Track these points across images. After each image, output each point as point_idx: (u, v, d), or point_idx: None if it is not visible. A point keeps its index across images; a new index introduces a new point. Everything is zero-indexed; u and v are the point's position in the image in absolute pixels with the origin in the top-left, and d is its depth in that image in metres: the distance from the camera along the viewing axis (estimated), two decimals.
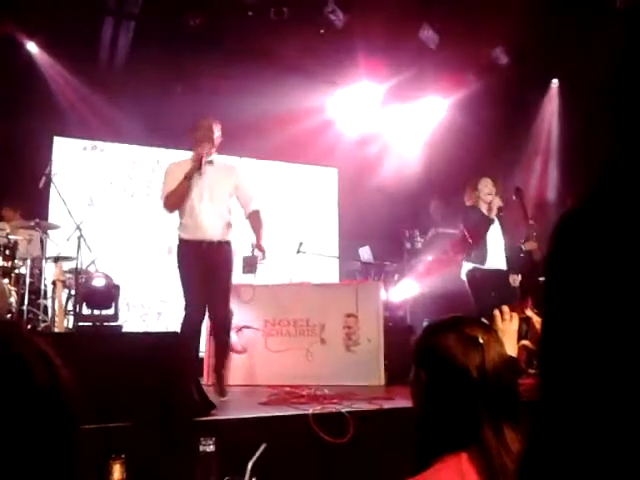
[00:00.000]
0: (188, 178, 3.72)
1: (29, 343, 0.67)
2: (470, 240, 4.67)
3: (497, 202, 4.68)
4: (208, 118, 3.91)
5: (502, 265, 4.64)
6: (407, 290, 6.33)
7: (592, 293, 0.44)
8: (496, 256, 4.61)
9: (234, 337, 4.58)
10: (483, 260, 4.56)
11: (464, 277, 4.69)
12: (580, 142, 5.73)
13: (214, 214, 3.80)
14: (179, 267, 3.81)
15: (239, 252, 4.15)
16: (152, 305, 6.83)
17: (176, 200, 3.75)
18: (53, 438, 0.64)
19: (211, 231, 3.78)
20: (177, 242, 3.88)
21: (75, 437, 0.65)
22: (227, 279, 3.86)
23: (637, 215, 0.43)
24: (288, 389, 3.94)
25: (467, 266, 4.67)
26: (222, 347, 3.89)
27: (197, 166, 3.72)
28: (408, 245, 7.34)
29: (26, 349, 0.65)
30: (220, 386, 3.73)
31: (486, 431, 1.19)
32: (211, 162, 3.82)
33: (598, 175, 0.49)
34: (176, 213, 3.90)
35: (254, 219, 4.00)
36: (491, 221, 4.61)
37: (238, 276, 4.49)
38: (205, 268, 3.74)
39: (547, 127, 7.09)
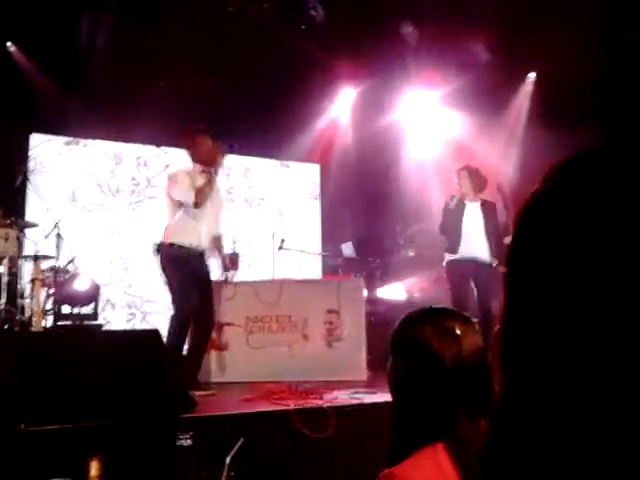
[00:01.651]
0: (210, 184, 3.95)
1: None
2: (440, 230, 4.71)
3: (478, 192, 4.67)
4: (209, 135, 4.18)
5: (484, 256, 4.56)
6: (395, 293, 6.40)
7: (554, 278, 0.44)
8: (474, 245, 4.54)
9: (215, 334, 4.57)
10: (455, 249, 4.52)
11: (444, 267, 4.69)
12: (554, 135, 5.78)
13: (209, 224, 4.03)
14: (172, 271, 3.88)
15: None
16: (138, 305, 6.77)
17: (205, 199, 3.92)
18: None
19: (204, 239, 4.00)
20: (168, 245, 3.93)
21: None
22: (210, 281, 4.12)
23: (599, 200, 0.43)
24: (270, 385, 3.93)
25: (446, 257, 4.64)
26: (202, 347, 3.97)
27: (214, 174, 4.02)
28: (391, 241, 7.38)
29: None
30: (197, 381, 3.80)
31: (462, 422, 1.19)
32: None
33: (562, 161, 0.49)
34: (166, 215, 4.02)
35: (220, 241, 4.27)
36: (462, 209, 4.56)
37: (220, 273, 4.50)
38: (194, 272, 3.90)
39: (520, 120, 7.17)
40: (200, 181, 3.94)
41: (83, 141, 6.91)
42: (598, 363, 0.41)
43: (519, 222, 0.49)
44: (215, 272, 4.37)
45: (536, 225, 0.48)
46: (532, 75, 7.17)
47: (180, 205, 3.92)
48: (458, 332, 1.22)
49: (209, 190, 3.92)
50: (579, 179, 0.46)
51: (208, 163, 4.02)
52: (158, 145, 6.94)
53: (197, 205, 3.88)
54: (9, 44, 6.11)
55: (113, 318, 6.51)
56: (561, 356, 0.43)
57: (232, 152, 4.14)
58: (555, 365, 0.43)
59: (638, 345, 0.40)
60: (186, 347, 3.98)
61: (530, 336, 0.46)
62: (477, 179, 4.65)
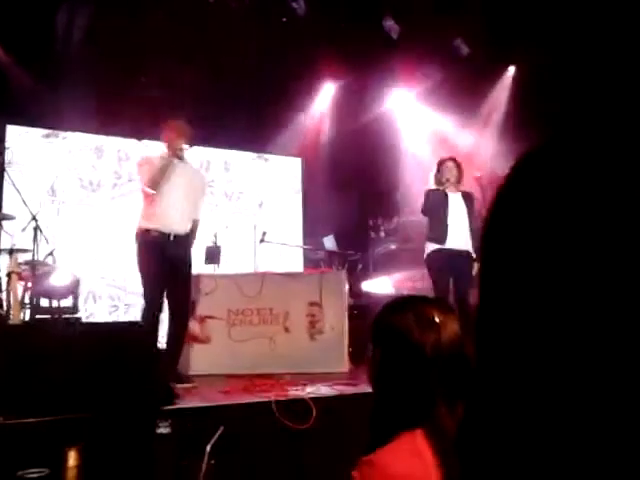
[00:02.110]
0: (165, 167, 3.89)
1: None
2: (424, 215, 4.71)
3: (459, 184, 4.70)
4: (180, 118, 4.16)
5: (466, 247, 4.56)
6: (377, 286, 6.43)
7: (520, 270, 0.45)
8: (458, 237, 4.54)
9: (197, 327, 4.56)
10: (442, 240, 4.51)
11: (424, 258, 4.68)
12: (532, 127, 5.84)
13: (182, 208, 3.94)
14: (141, 257, 3.82)
15: (201, 243, 4.22)
16: (120, 297, 6.72)
17: (156, 182, 3.87)
18: None
19: (177, 224, 3.91)
20: (139, 230, 3.88)
21: None
22: (189, 271, 4.02)
23: (563, 190, 0.44)
24: (252, 377, 3.94)
25: (428, 247, 4.63)
26: (180, 338, 3.93)
27: (173, 157, 3.94)
28: (372, 234, 7.40)
29: None
30: (179, 374, 3.78)
31: (440, 408, 1.20)
32: (182, 157, 4.01)
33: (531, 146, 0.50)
34: (141, 202, 3.96)
35: (194, 227, 4.18)
36: (446, 199, 4.58)
37: (201, 266, 4.48)
38: (168, 259, 3.82)
39: (499, 113, 7.23)
40: (159, 164, 3.92)
41: (62, 133, 6.81)
42: (565, 352, 0.42)
43: (490, 210, 0.50)
44: (197, 263, 4.33)
45: (504, 214, 0.48)
46: (511, 69, 7.21)
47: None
48: (438, 320, 1.23)
49: (160, 173, 3.84)
50: (545, 168, 0.47)
51: (171, 146, 3.96)
52: (139, 138, 6.87)
53: (150, 187, 3.86)
54: None
55: (95, 311, 6.45)
56: (529, 345, 0.44)
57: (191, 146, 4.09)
58: (523, 353, 0.45)
59: (603, 332, 0.41)
60: (165, 340, 3.95)
61: (500, 325, 0.47)
62: (461, 171, 4.69)
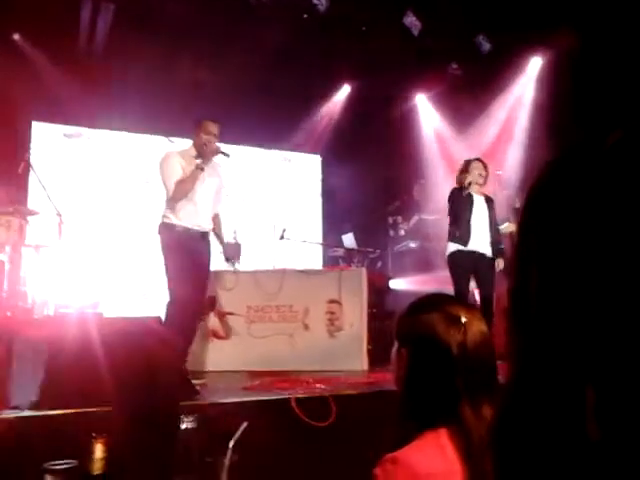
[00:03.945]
0: (201, 169, 3.86)
1: None
2: (449, 220, 4.69)
3: (485, 185, 4.69)
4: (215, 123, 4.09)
5: (486, 250, 4.59)
6: (397, 284, 6.42)
7: (558, 263, 0.45)
8: (481, 239, 4.57)
9: (217, 323, 4.59)
10: (466, 241, 4.51)
11: (446, 258, 4.68)
12: (559, 122, 5.77)
13: (208, 206, 3.99)
14: (171, 253, 3.81)
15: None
16: (142, 292, 6.78)
17: (189, 188, 3.83)
18: None
19: (206, 221, 3.97)
20: (165, 226, 3.88)
21: None
22: (209, 267, 4.10)
23: (597, 189, 0.44)
24: (271, 374, 3.95)
25: (450, 247, 4.63)
26: (190, 333, 3.93)
27: (210, 158, 3.93)
28: (392, 232, 7.38)
29: None
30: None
31: (465, 407, 1.20)
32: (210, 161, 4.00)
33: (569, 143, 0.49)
34: (164, 196, 3.95)
35: (217, 221, 4.24)
36: (471, 201, 4.57)
37: (221, 263, 4.51)
38: (198, 256, 3.87)
39: (523, 109, 7.12)
40: (188, 168, 3.87)
41: (85, 131, 6.90)
42: (606, 344, 0.42)
43: (525, 204, 0.50)
44: (217, 260, 4.35)
45: (541, 209, 0.48)
46: (535, 60, 6.99)
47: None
48: (464, 319, 1.23)
49: (188, 186, 3.82)
50: (580, 166, 0.46)
51: (199, 150, 3.94)
52: (168, 136, 6.93)
53: (175, 200, 3.82)
54: (16, 36, 6.09)
55: (117, 305, 6.53)
56: (566, 337, 0.44)
57: (225, 155, 4.03)
58: (560, 345, 0.44)
59: None
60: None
61: (538, 317, 0.46)
62: (487, 172, 4.68)
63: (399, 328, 1.29)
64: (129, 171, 7.12)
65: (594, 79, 5.47)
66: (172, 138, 6.85)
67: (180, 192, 3.82)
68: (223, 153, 4.01)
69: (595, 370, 0.42)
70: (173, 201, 3.87)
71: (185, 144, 4.26)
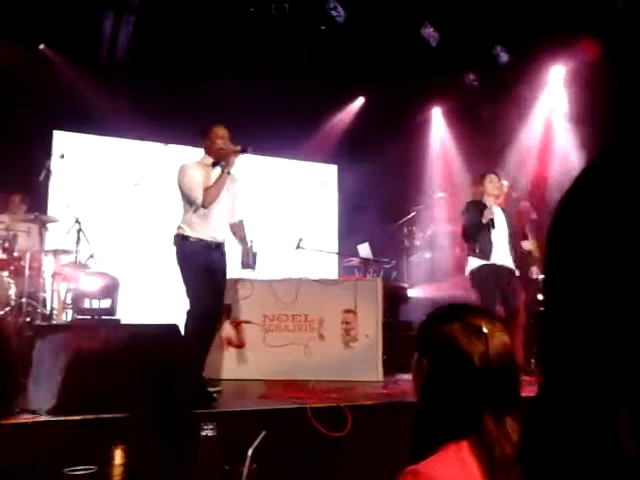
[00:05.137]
0: (228, 173, 3.86)
1: None
2: (462, 236, 4.67)
3: (500, 197, 4.68)
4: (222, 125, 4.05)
5: (508, 262, 4.57)
6: (413, 294, 6.40)
7: (588, 275, 0.44)
8: (501, 252, 4.55)
9: (232, 331, 4.60)
10: (487, 255, 4.49)
11: (467, 274, 4.64)
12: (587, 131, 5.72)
13: (225, 217, 3.97)
14: (187, 264, 3.82)
15: (237, 249, 4.25)
16: (158, 300, 6.82)
17: (217, 194, 3.83)
18: None
19: (220, 232, 3.93)
20: (182, 238, 3.89)
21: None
22: (225, 276, 4.09)
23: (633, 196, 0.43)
24: (286, 383, 3.95)
25: (472, 262, 4.60)
26: (207, 342, 3.92)
27: (233, 160, 3.89)
28: (407, 242, 7.36)
29: None
30: (205, 378, 3.77)
31: (487, 420, 1.18)
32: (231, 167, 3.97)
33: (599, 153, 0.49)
34: (182, 209, 3.94)
35: (241, 227, 4.19)
36: (488, 221, 4.53)
37: (237, 271, 4.52)
38: (214, 265, 3.86)
39: (545, 119, 7.06)
40: (207, 178, 3.86)
41: (103, 139, 6.99)
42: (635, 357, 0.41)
43: (556, 217, 0.50)
44: (234, 268, 4.36)
45: (572, 218, 0.48)
46: (557, 68, 6.84)
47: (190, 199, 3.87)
48: (485, 330, 1.22)
49: (217, 191, 3.82)
50: (613, 175, 0.46)
51: (218, 155, 3.91)
52: (192, 145, 6.99)
53: (205, 206, 3.81)
54: (42, 46, 6.21)
55: (133, 312, 6.57)
56: (602, 353, 0.43)
57: (245, 152, 3.96)
58: (595, 361, 0.44)
59: None
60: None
61: (571, 330, 0.46)
62: (502, 184, 4.68)
63: (419, 338, 1.28)
64: (149, 180, 7.19)
65: (620, 86, 5.41)
66: (191, 148, 6.90)
67: (210, 197, 3.81)
68: (244, 150, 3.93)
69: (629, 387, 0.42)
70: (202, 208, 3.84)
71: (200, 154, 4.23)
